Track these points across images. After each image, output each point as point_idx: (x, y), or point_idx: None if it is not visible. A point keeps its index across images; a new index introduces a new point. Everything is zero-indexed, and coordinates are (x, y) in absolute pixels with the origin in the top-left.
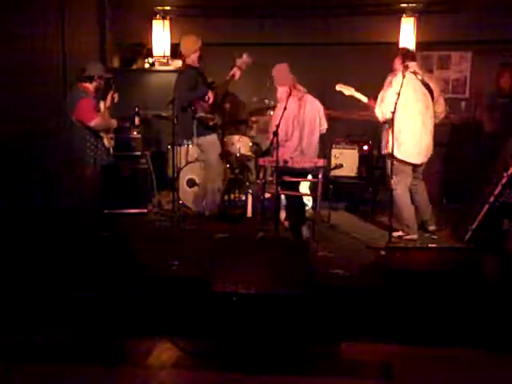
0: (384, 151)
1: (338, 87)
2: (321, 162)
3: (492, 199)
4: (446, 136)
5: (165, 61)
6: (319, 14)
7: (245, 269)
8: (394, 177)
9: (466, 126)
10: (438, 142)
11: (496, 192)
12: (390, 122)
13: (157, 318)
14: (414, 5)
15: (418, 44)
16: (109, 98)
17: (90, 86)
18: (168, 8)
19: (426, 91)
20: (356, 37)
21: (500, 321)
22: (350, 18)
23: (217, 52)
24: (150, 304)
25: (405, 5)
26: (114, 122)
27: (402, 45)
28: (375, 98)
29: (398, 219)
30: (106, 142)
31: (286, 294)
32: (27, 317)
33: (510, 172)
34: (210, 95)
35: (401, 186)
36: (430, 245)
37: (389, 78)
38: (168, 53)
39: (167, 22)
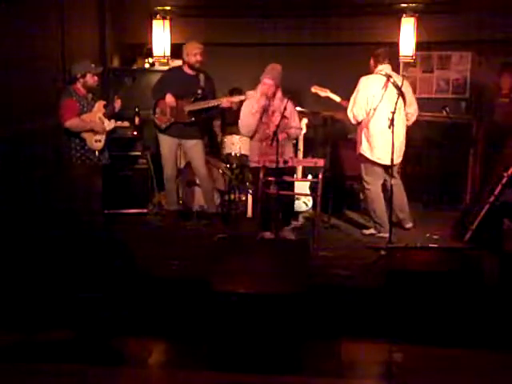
0: (357, 151)
1: (314, 89)
2: (321, 162)
3: (492, 199)
4: (446, 136)
5: (165, 61)
6: (319, 14)
7: (245, 269)
8: (366, 177)
9: (466, 126)
10: (438, 142)
11: (496, 192)
12: (362, 124)
13: (157, 318)
14: (413, 5)
15: (418, 44)
16: (112, 106)
17: (78, 86)
18: (168, 8)
19: (397, 93)
20: (356, 37)
21: (500, 321)
22: (349, 18)
23: (217, 52)
24: (150, 304)
25: (405, 5)
26: (103, 125)
27: (401, 46)
28: (348, 99)
29: (371, 217)
30: (88, 143)
31: (286, 293)
32: (27, 316)
33: (510, 172)
34: (168, 99)
35: (373, 186)
36: (430, 245)
37: (360, 80)
38: (168, 53)
39: (167, 22)
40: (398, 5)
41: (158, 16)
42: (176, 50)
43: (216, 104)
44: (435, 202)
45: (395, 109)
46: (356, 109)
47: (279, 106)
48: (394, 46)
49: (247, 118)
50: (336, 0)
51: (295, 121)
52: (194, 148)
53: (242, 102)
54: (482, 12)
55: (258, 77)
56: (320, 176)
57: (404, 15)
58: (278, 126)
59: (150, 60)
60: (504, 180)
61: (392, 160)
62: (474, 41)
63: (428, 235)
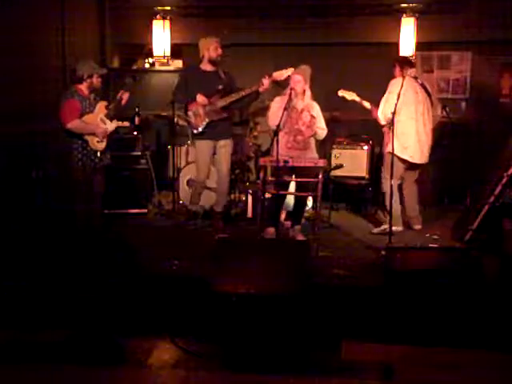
0: (386, 150)
1: (341, 93)
2: (321, 162)
3: (492, 199)
4: (446, 136)
5: (165, 61)
6: (319, 13)
7: (245, 269)
8: (385, 173)
9: (466, 126)
10: (438, 142)
11: (496, 192)
12: (391, 123)
13: (157, 318)
14: (414, 5)
15: (418, 44)
16: (119, 98)
17: (82, 87)
18: (168, 8)
19: (426, 94)
20: (356, 37)
21: (500, 321)
22: (349, 18)
23: None
24: (150, 304)
25: (405, 5)
26: (103, 128)
27: (401, 46)
28: (377, 104)
29: (386, 210)
30: (91, 144)
31: (286, 294)
32: (27, 316)
33: (510, 172)
34: (200, 99)
35: (389, 181)
36: (430, 245)
37: (391, 82)
38: (168, 53)
39: (167, 22)
40: (398, 5)
41: (158, 16)
42: (176, 50)
43: (252, 90)
44: (435, 202)
45: (395, 109)
46: (387, 110)
47: (308, 105)
48: (394, 45)
49: (276, 113)
50: (336, 0)
51: (321, 122)
52: (225, 147)
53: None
54: (482, 12)
55: (258, 77)
56: (320, 176)
57: (404, 15)
58: (278, 125)
59: (150, 60)
60: (504, 180)
61: (393, 155)
62: (474, 41)
63: (428, 235)
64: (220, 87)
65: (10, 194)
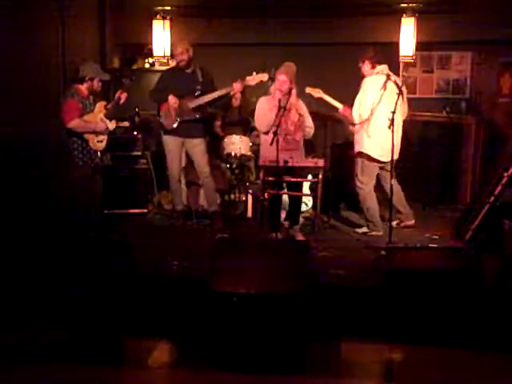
0: (356, 149)
1: (307, 90)
2: (321, 162)
3: (492, 199)
4: (446, 136)
5: (165, 61)
6: (319, 14)
7: (245, 269)
8: (361, 176)
9: (465, 126)
10: (438, 142)
11: (496, 192)
12: (367, 123)
13: (157, 318)
14: (414, 5)
15: (418, 44)
16: (117, 98)
17: (82, 87)
18: (168, 8)
19: (397, 92)
20: (356, 37)
21: (500, 321)
22: (349, 18)
23: (217, 52)
24: (150, 304)
25: (405, 5)
26: (103, 125)
27: (401, 46)
28: (350, 105)
29: (364, 216)
30: (91, 144)
31: (286, 293)
32: (27, 317)
33: (510, 172)
34: (172, 101)
35: (367, 185)
36: (430, 245)
37: (365, 80)
38: (168, 53)
39: (167, 22)
40: (398, 5)
41: (158, 16)
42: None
43: (224, 93)
44: (435, 201)
45: (395, 108)
46: (362, 109)
47: (295, 103)
48: (394, 45)
49: (264, 114)
50: (336, 0)
51: (308, 120)
52: (198, 147)
53: (244, 96)
54: (482, 12)
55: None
56: (320, 176)
57: (404, 15)
58: (278, 125)
59: (150, 60)
60: (504, 180)
61: (392, 158)
62: (474, 41)
63: (428, 235)
64: (198, 87)
65: (9, 193)
